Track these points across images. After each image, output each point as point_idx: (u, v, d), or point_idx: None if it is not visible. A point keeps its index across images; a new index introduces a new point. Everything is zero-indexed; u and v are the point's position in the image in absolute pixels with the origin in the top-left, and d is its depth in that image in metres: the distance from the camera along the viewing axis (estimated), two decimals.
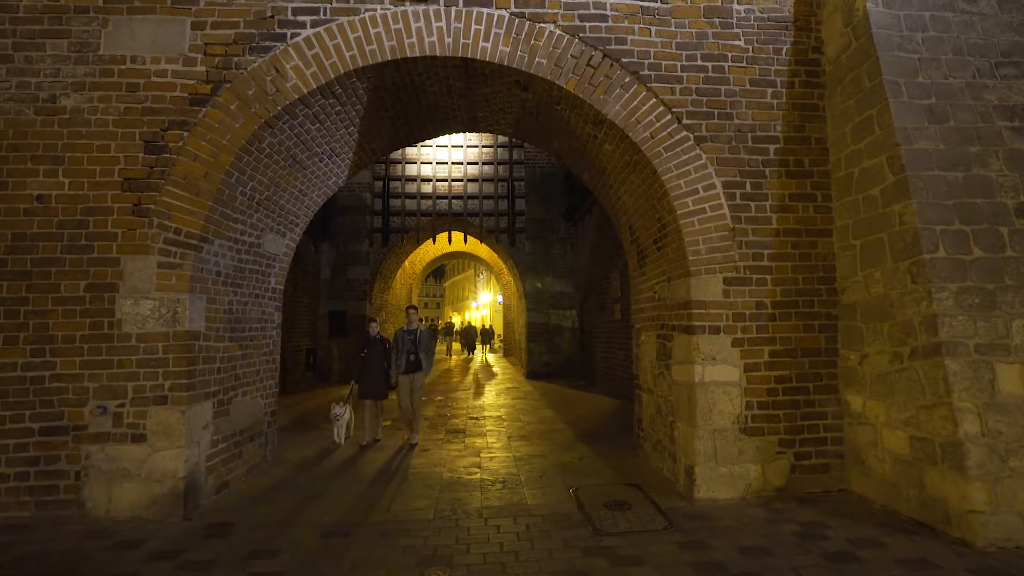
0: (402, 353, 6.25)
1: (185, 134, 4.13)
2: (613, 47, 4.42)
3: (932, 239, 3.68)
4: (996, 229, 3.73)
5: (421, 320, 10.13)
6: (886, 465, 3.92)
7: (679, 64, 4.47)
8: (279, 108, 4.21)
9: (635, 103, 4.42)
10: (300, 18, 4.25)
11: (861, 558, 3.13)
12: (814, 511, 3.88)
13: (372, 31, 4.27)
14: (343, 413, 6.07)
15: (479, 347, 22.23)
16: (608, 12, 4.45)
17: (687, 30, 4.51)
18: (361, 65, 4.27)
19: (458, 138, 12.10)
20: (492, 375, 14.78)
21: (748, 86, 4.51)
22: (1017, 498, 3.27)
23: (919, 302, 3.67)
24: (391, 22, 4.28)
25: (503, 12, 4.36)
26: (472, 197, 12.27)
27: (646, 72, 4.43)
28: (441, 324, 37.58)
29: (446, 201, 12.27)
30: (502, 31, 4.34)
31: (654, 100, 4.42)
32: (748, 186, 4.45)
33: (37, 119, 4.06)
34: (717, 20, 4.53)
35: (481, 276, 39.15)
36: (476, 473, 5.02)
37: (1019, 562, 3.04)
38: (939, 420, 3.48)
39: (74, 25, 4.14)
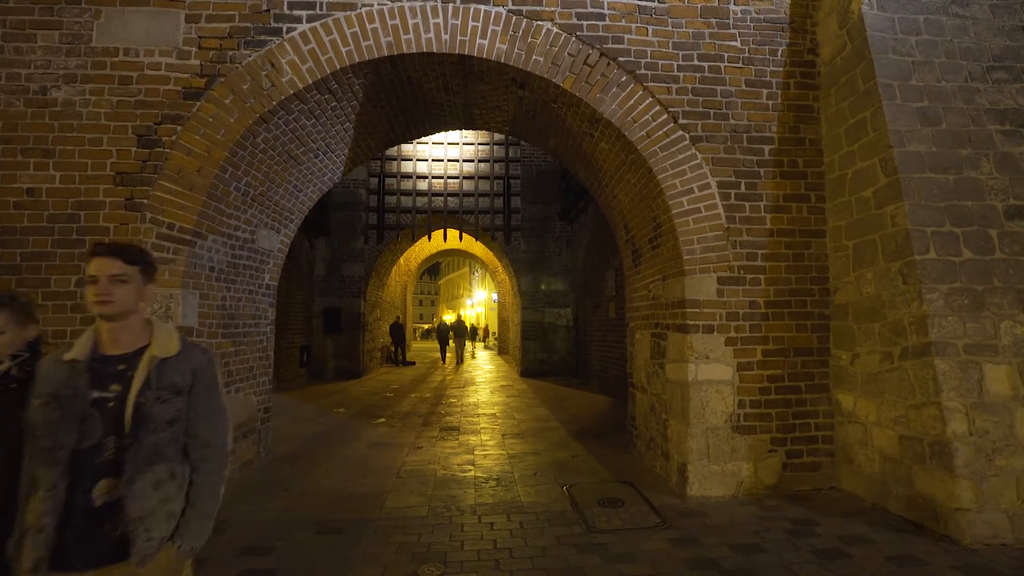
0: (62, 477, 1.43)
1: (179, 128, 4.09)
2: (610, 46, 4.43)
3: (923, 241, 3.72)
4: (986, 231, 3.77)
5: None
6: (876, 463, 3.97)
7: (676, 64, 4.48)
8: (274, 103, 4.18)
9: (631, 102, 4.42)
10: (296, 12, 4.22)
11: (851, 555, 3.17)
12: (805, 509, 3.93)
13: (369, 26, 4.25)
14: None
15: (469, 344, 22.53)
16: (605, 11, 4.45)
17: (684, 30, 4.52)
18: (357, 61, 4.24)
19: (454, 135, 12.05)
20: (486, 373, 14.78)
21: (744, 87, 4.53)
22: (1003, 496, 3.32)
23: (910, 303, 3.71)
24: (388, 18, 4.26)
25: (500, 9, 4.35)
26: (468, 195, 12.24)
27: (643, 71, 4.44)
28: (453, 320, 24.94)
29: (442, 198, 12.23)
30: (499, 28, 4.33)
31: (650, 99, 4.44)
32: (743, 186, 4.47)
33: (27, 111, 4.01)
34: (714, 20, 4.54)
35: (476, 274, 39.11)
36: (470, 470, 5.03)
37: (1004, 559, 3.09)
38: (928, 419, 3.53)
39: (66, 16, 4.09)
